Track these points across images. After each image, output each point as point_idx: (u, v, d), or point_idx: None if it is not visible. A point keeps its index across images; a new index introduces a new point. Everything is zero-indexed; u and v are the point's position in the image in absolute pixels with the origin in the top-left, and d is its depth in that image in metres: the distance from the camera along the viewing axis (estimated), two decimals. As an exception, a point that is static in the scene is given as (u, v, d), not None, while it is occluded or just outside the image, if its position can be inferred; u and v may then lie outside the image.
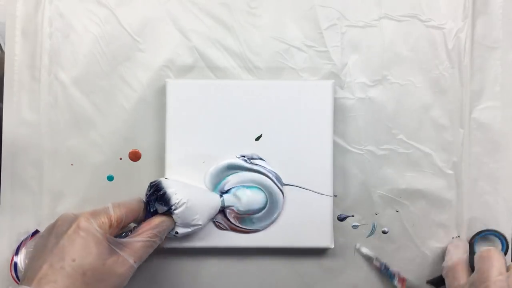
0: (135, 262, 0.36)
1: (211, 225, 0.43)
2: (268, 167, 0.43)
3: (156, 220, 0.38)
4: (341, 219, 0.46)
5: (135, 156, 0.45)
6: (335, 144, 0.45)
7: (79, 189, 0.45)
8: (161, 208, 0.39)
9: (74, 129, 0.45)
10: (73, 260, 0.33)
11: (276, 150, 0.43)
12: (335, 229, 0.44)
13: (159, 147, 0.44)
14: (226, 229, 0.43)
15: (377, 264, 0.45)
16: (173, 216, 0.39)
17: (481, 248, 0.41)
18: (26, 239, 0.44)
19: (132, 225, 0.39)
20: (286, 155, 0.43)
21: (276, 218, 0.43)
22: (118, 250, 0.35)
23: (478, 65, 0.46)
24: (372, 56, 0.46)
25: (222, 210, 0.43)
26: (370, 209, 0.46)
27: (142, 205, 0.40)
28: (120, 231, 0.38)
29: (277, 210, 0.43)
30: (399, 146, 0.46)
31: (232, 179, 0.43)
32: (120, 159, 0.45)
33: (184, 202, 0.39)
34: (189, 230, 0.40)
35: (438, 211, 0.46)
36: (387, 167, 0.46)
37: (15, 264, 0.43)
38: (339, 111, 0.45)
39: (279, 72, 0.46)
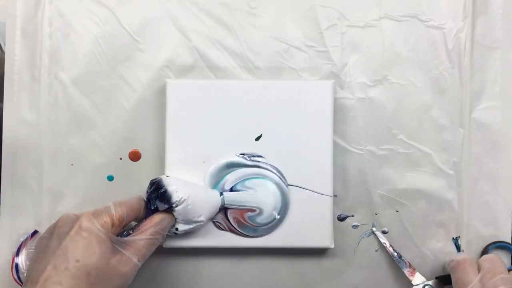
0: (138, 260, 0.36)
1: (211, 225, 0.43)
2: (271, 163, 0.43)
3: (158, 218, 0.38)
4: (341, 219, 0.46)
5: (135, 156, 0.45)
6: (335, 144, 0.45)
7: (79, 189, 0.45)
8: (162, 206, 0.39)
9: (74, 129, 0.45)
10: (77, 261, 0.33)
11: (276, 150, 0.43)
12: (335, 229, 0.44)
13: (159, 147, 0.44)
14: (226, 230, 0.43)
15: (391, 250, 0.45)
16: (174, 213, 0.39)
17: (486, 255, 0.43)
18: (26, 240, 0.44)
19: (133, 223, 0.39)
20: (286, 155, 0.43)
21: (280, 221, 0.43)
22: (121, 249, 0.35)
23: (478, 65, 0.46)
24: (372, 56, 0.46)
25: (224, 210, 0.43)
26: (370, 209, 0.46)
27: (143, 203, 0.40)
28: (122, 229, 0.38)
29: (287, 210, 0.43)
30: (399, 146, 0.46)
31: (230, 178, 0.43)
32: (120, 159, 0.45)
33: (185, 199, 0.39)
34: (190, 226, 0.40)
35: (438, 211, 0.46)
36: (387, 167, 0.46)
37: (17, 265, 0.43)
38: (339, 111, 0.45)
39: (279, 72, 0.46)
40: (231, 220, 0.43)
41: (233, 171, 0.43)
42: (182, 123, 0.43)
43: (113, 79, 0.45)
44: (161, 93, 0.44)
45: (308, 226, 0.43)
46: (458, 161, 0.46)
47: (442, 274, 0.45)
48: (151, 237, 0.37)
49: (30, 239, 0.44)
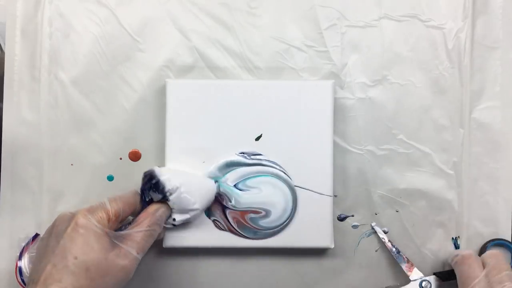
0: (137, 253, 0.36)
1: (211, 225, 0.43)
2: (273, 160, 0.43)
3: (153, 208, 0.38)
4: (341, 219, 0.46)
5: (135, 156, 0.45)
6: (335, 144, 0.45)
7: (79, 189, 0.45)
8: (156, 196, 0.39)
9: (74, 129, 0.45)
10: (75, 258, 0.33)
11: (276, 150, 0.43)
12: (335, 229, 0.44)
13: (159, 147, 0.44)
14: (225, 230, 0.43)
15: (389, 245, 0.45)
16: (169, 202, 0.39)
17: (489, 251, 0.43)
18: (27, 244, 0.44)
19: (130, 218, 0.39)
20: (286, 155, 0.43)
21: (286, 226, 0.43)
22: (119, 243, 0.35)
23: (478, 65, 0.46)
24: (372, 56, 0.46)
25: (223, 209, 0.43)
26: (370, 209, 0.46)
27: (138, 197, 0.40)
28: (119, 225, 0.38)
29: (290, 210, 0.43)
30: (399, 146, 0.46)
31: (230, 177, 0.43)
32: (120, 159, 0.45)
33: (178, 187, 0.39)
34: (186, 216, 0.40)
35: (438, 211, 0.46)
36: (387, 167, 0.46)
37: (20, 269, 0.43)
38: (339, 111, 0.45)
39: (279, 72, 0.46)
40: (230, 220, 0.43)
41: (232, 170, 0.43)
42: (182, 123, 0.43)
43: (113, 79, 0.45)
44: (161, 93, 0.44)
45: (308, 226, 0.43)
46: (458, 161, 0.46)
47: (441, 271, 0.45)
48: (148, 228, 0.37)
49: (32, 243, 0.44)
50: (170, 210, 0.39)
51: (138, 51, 0.45)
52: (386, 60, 0.46)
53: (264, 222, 0.43)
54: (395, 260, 0.46)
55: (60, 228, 0.35)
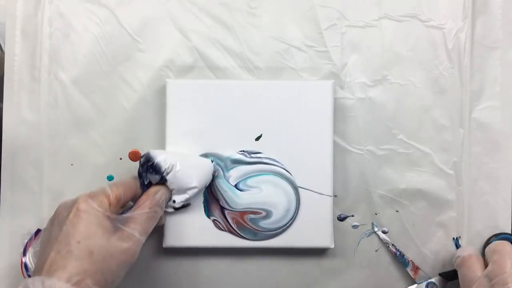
0: (140, 235, 0.36)
1: (211, 225, 0.43)
2: (275, 157, 0.43)
3: (153, 190, 0.39)
4: (341, 219, 0.46)
5: (135, 156, 0.45)
6: (335, 144, 0.45)
7: (79, 189, 0.45)
8: (154, 178, 0.39)
9: (74, 129, 0.45)
10: (78, 242, 0.33)
11: (276, 150, 0.43)
12: (335, 229, 0.44)
13: (159, 147, 0.44)
14: (225, 230, 0.43)
15: (393, 249, 0.45)
16: (167, 183, 0.39)
17: (494, 242, 0.42)
18: (30, 239, 0.44)
19: (131, 203, 0.40)
20: (286, 155, 0.43)
21: (287, 228, 0.43)
22: (121, 226, 0.35)
23: (478, 65, 0.46)
24: (372, 56, 0.46)
25: (221, 209, 0.43)
26: (370, 209, 0.46)
27: (139, 183, 0.40)
28: (120, 209, 0.38)
29: (292, 211, 0.43)
30: (399, 146, 0.46)
31: (233, 174, 0.43)
32: (120, 159, 0.45)
33: (173, 165, 0.39)
34: (186, 196, 0.40)
35: (438, 211, 0.46)
36: (387, 167, 0.46)
37: (25, 264, 0.43)
38: (339, 111, 0.45)
39: (279, 72, 0.46)
40: (229, 221, 0.43)
41: (235, 167, 0.43)
42: (182, 123, 0.43)
43: (113, 79, 0.45)
44: (161, 93, 0.44)
45: (308, 226, 0.43)
46: (458, 161, 0.46)
47: (445, 271, 0.45)
48: (149, 210, 0.37)
49: (34, 239, 0.44)
50: (170, 193, 0.40)
51: (138, 51, 0.45)
52: (386, 60, 0.46)
53: (264, 223, 0.43)
54: (395, 260, 0.46)
55: (62, 215, 0.35)
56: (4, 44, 0.45)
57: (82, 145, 0.45)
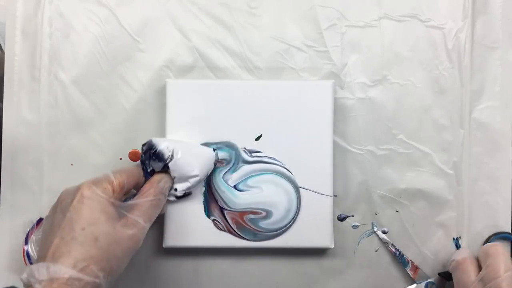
0: (145, 222, 0.36)
1: (211, 225, 0.43)
2: (275, 157, 0.43)
3: (156, 178, 0.39)
4: (341, 219, 0.46)
5: (135, 156, 0.45)
6: (335, 144, 0.45)
7: (79, 189, 0.45)
8: (157, 165, 0.39)
9: (74, 129, 0.45)
10: (83, 229, 0.33)
11: (276, 150, 0.43)
12: (335, 229, 0.44)
13: (159, 147, 0.44)
14: (225, 231, 0.43)
15: (392, 249, 0.45)
16: (170, 170, 0.39)
17: (487, 244, 0.42)
18: (32, 228, 0.44)
19: (134, 191, 0.40)
20: (286, 155, 0.43)
21: (288, 228, 0.43)
22: (126, 212, 0.35)
23: (478, 65, 0.46)
24: (372, 56, 0.46)
25: (221, 209, 0.43)
26: (370, 209, 0.46)
27: (141, 171, 0.40)
28: (123, 197, 0.38)
29: (293, 211, 0.43)
30: (399, 146, 0.46)
31: (234, 175, 0.43)
32: (120, 159, 0.45)
33: (176, 152, 0.39)
34: (187, 184, 0.40)
35: (438, 211, 0.46)
36: (387, 167, 0.46)
37: (27, 253, 0.43)
38: (339, 111, 0.45)
39: (279, 72, 0.46)
40: (229, 221, 0.43)
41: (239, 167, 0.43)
42: (182, 123, 0.43)
43: (113, 79, 0.45)
44: (161, 93, 0.44)
45: (308, 226, 0.43)
46: (458, 161, 0.46)
47: (444, 271, 0.45)
48: (153, 198, 0.37)
49: (37, 227, 0.44)
50: (172, 181, 0.40)
51: (138, 51, 0.45)
52: (386, 60, 0.46)
53: (264, 224, 0.43)
54: (395, 260, 0.46)
55: (65, 202, 0.35)
56: (4, 44, 0.45)
57: (82, 145, 0.45)
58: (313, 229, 0.43)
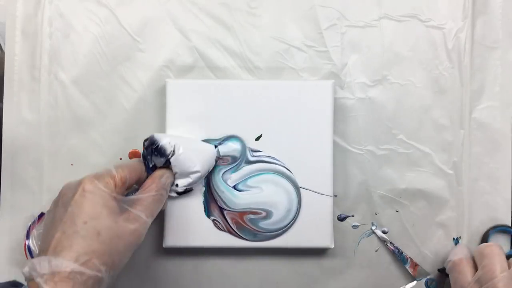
0: (147, 217, 0.36)
1: (211, 225, 0.43)
2: (275, 157, 0.43)
3: (158, 173, 0.39)
4: (341, 219, 0.46)
5: (135, 156, 0.45)
6: (335, 144, 0.45)
7: (79, 189, 0.45)
8: (159, 161, 0.39)
9: (74, 129, 0.45)
10: (85, 223, 0.33)
11: (276, 150, 0.43)
12: (335, 229, 0.44)
13: (159, 147, 0.44)
14: (225, 231, 0.43)
15: (391, 247, 0.45)
16: (171, 166, 0.39)
17: (482, 244, 0.42)
18: (33, 223, 0.44)
19: (135, 186, 0.39)
20: (286, 155, 0.43)
21: (288, 228, 0.43)
22: (128, 207, 0.35)
23: (478, 65, 0.46)
24: (372, 56, 0.46)
25: (220, 209, 0.43)
26: (370, 209, 0.46)
27: (143, 166, 0.40)
28: (125, 192, 0.38)
29: (293, 212, 0.43)
30: (399, 146, 0.46)
31: (233, 175, 0.43)
32: (120, 159, 0.45)
33: (178, 148, 0.39)
34: (189, 180, 0.40)
35: (438, 211, 0.46)
36: (387, 167, 0.46)
37: (29, 247, 0.43)
38: (339, 111, 0.45)
39: (279, 72, 0.46)
40: (229, 221, 0.43)
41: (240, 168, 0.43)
42: (182, 123, 0.43)
43: (113, 79, 0.45)
44: (161, 93, 0.44)
45: (308, 226, 0.43)
46: (458, 161, 0.46)
47: (444, 267, 0.45)
48: (156, 193, 0.37)
49: (38, 222, 0.44)
50: (174, 176, 0.40)
51: (138, 51, 0.45)
52: (386, 60, 0.46)
53: (264, 224, 0.43)
54: (395, 260, 0.46)
55: (67, 196, 0.35)
56: (4, 44, 0.45)
57: (82, 145, 0.45)
58: (313, 229, 0.43)
